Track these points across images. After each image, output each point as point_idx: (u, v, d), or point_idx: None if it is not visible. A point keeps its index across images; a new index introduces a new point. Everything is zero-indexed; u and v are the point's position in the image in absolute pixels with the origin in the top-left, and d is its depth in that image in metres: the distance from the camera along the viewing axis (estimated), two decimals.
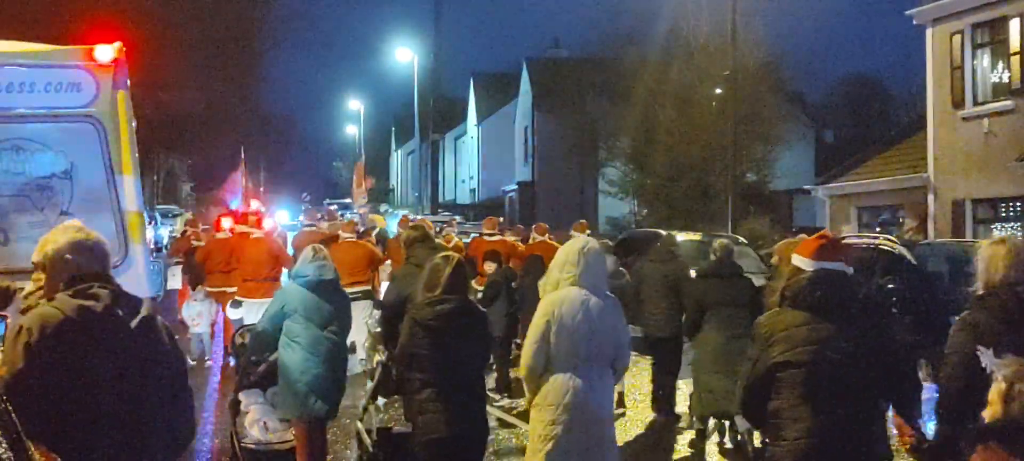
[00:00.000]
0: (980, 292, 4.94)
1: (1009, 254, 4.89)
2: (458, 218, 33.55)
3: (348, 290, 13.94)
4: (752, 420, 5.64)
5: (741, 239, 21.02)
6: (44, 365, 3.82)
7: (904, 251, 14.06)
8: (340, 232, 15.61)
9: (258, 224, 14.89)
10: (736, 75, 26.91)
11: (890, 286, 13.60)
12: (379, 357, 8.24)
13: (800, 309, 4.95)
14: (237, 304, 13.42)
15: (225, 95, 42.72)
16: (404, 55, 55.59)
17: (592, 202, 46.24)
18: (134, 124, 7.39)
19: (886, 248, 14.35)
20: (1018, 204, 21.56)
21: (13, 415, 3.67)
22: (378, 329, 9.27)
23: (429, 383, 6.24)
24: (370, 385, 8.18)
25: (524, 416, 8.54)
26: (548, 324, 6.35)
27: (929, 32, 23.51)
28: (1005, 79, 21.75)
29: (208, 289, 14.64)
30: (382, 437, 7.56)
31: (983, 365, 4.26)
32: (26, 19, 21.65)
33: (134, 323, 4.05)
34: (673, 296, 11.28)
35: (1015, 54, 21.17)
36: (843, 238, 12.82)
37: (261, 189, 62.04)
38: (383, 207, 55.43)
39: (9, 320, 4.78)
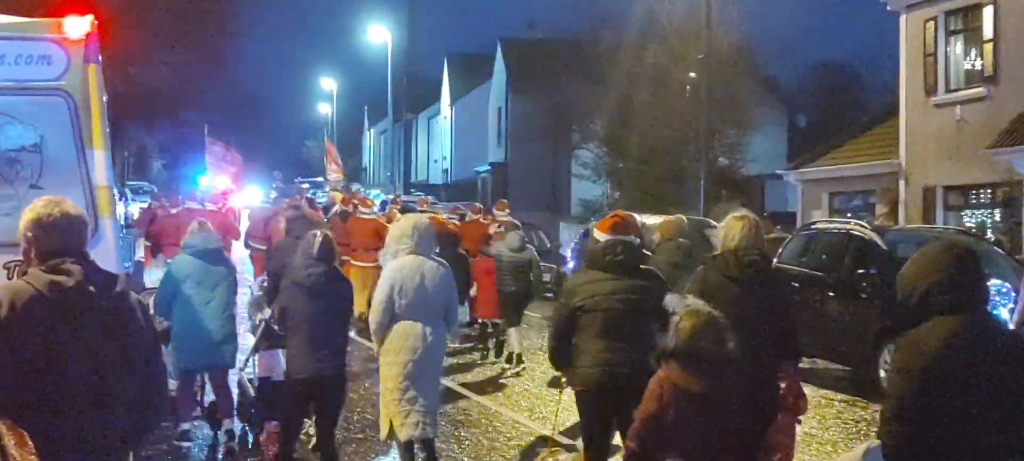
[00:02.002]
0: (715, 254, 6.33)
1: (742, 228, 6.19)
2: (431, 198, 33.50)
3: None
4: (556, 363, 7.02)
5: (713, 222, 21.08)
6: (14, 339, 3.80)
7: (875, 236, 14.13)
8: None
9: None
10: (710, 59, 26.93)
11: (860, 271, 13.67)
12: (262, 315, 9.42)
13: (596, 269, 6.69)
14: None
15: (196, 72, 42.39)
16: (378, 34, 55.30)
17: (565, 184, 46.26)
18: (105, 98, 7.28)
19: (857, 233, 14.42)
20: (988, 191, 21.75)
21: None
22: (259, 292, 10.75)
23: (298, 332, 7.61)
24: (253, 340, 9.59)
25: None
26: (392, 287, 7.74)
27: (902, 18, 23.62)
28: (978, 66, 21.90)
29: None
30: (262, 385, 9.15)
31: (667, 306, 5.41)
32: None
33: (106, 299, 4.02)
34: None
35: (988, 42, 21.31)
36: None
37: (232, 168, 61.47)
38: (354, 185, 55.20)
39: None
